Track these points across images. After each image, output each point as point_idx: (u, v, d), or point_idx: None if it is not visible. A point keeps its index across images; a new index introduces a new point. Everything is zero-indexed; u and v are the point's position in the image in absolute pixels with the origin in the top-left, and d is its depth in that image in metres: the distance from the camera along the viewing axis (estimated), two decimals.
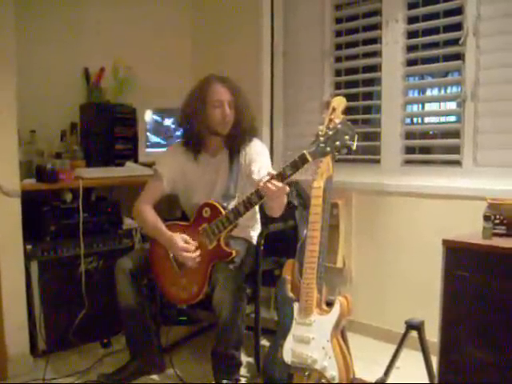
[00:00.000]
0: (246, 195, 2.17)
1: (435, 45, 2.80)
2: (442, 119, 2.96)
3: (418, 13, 2.82)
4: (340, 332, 2.09)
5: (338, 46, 3.21)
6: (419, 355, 2.11)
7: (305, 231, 2.15)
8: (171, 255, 2.35)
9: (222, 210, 2.28)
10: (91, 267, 2.90)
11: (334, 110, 2.04)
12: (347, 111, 2.11)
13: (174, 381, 2.49)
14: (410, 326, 2.11)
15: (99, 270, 2.92)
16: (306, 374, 2.06)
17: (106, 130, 3.20)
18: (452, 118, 2.87)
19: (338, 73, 3.23)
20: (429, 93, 2.98)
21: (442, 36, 2.74)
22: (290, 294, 2.15)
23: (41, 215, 2.78)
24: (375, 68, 3.03)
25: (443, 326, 2.07)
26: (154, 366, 2.57)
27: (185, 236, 2.31)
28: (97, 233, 2.94)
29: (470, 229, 2.16)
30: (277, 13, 3.43)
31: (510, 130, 2.52)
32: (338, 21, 3.20)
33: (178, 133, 3.15)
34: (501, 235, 2.06)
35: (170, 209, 3.00)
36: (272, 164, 2.50)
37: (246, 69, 3.44)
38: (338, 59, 3.22)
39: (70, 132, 3.14)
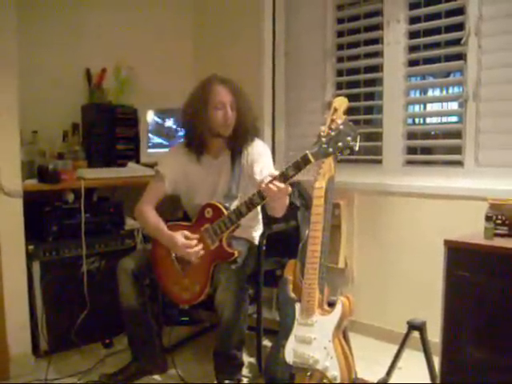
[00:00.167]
0: (248, 196, 2.17)
1: (437, 45, 2.79)
2: (444, 119, 2.96)
3: (420, 13, 2.82)
4: (342, 332, 2.10)
5: (340, 47, 3.21)
6: (421, 355, 2.11)
7: (307, 231, 2.15)
8: (173, 255, 2.35)
9: (224, 210, 2.28)
10: (93, 268, 2.90)
11: (335, 110, 2.04)
12: (349, 111, 2.11)
13: (176, 381, 2.49)
14: (412, 327, 2.11)
15: (101, 271, 2.92)
16: (308, 374, 2.06)
17: (108, 130, 3.21)
18: (454, 119, 2.86)
19: (339, 73, 3.23)
20: (430, 93, 2.98)
21: (444, 36, 2.74)
22: (292, 295, 2.15)
23: (43, 216, 2.78)
24: (377, 68, 3.03)
25: (445, 327, 2.07)
26: (156, 367, 2.57)
27: (185, 232, 2.31)
28: (99, 233, 2.94)
29: (472, 229, 2.16)
30: (278, 13, 3.43)
31: None
32: (340, 21, 3.20)
33: (181, 133, 3.15)
34: (502, 235, 2.06)
35: (172, 209, 3.00)
36: (274, 164, 2.50)
37: (248, 70, 3.44)
38: (340, 59, 3.22)
39: (72, 132, 3.15)
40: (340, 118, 1.99)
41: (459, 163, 2.71)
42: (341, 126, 1.94)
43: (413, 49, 2.87)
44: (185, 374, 2.52)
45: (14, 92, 2.51)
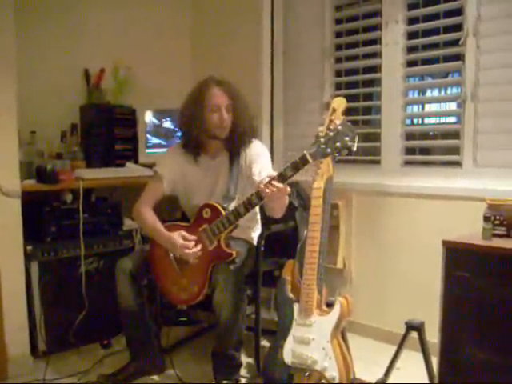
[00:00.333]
0: (247, 196, 2.17)
1: (435, 45, 2.80)
2: (442, 120, 2.96)
3: (418, 13, 2.82)
4: (340, 333, 2.10)
5: (338, 47, 3.21)
6: (419, 356, 2.11)
7: (305, 232, 2.15)
8: (171, 256, 2.35)
9: (222, 210, 2.28)
10: (91, 268, 2.90)
11: (334, 110, 2.04)
12: (347, 112, 2.11)
13: (174, 381, 2.49)
14: (411, 327, 2.11)
15: (99, 271, 2.92)
16: (306, 374, 2.06)
17: (106, 130, 3.20)
18: (452, 119, 2.86)
19: (338, 73, 3.23)
20: (429, 93, 2.98)
21: (442, 37, 2.74)
22: (290, 295, 2.15)
23: (41, 216, 2.78)
24: (375, 69, 3.03)
25: (443, 327, 2.07)
26: (154, 367, 2.57)
27: (182, 232, 2.31)
28: (97, 234, 2.94)
29: (470, 230, 2.16)
30: (277, 14, 3.42)
31: (510, 130, 2.52)
32: (338, 21, 3.20)
33: (179, 133, 3.15)
34: (501, 236, 2.06)
35: (171, 210, 3.00)
36: (272, 165, 2.50)
37: (246, 69, 3.44)
38: (338, 60, 3.22)
39: (71, 133, 3.14)
40: (338, 119, 2.00)
41: (457, 164, 2.71)
42: (339, 127, 1.94)
43: (411, 49, 2.87)
44: (183, 375, 2.52)
45: (12, 91, 2.51)
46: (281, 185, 2.02)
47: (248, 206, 2.16)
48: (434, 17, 2.75)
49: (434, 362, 2.10)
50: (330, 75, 3.23)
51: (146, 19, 3.59)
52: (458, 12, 2.65)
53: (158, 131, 3.38)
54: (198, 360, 2.74)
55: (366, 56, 3.09)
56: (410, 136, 2.95)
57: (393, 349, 2.17)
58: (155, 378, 2.56)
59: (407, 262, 2.83)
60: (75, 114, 3.24)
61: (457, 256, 2.03)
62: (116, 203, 3.08)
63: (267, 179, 2.04)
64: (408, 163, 2.93)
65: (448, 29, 2.71)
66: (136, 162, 3.27)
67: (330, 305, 2.09)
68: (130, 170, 3.14)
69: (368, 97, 3.11)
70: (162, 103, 3.35)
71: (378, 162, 3.03)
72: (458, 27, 2.65)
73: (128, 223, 3.07)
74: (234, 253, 2.25)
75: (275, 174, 2.05)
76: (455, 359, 2.04)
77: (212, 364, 2.38)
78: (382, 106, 2.99)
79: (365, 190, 3.03)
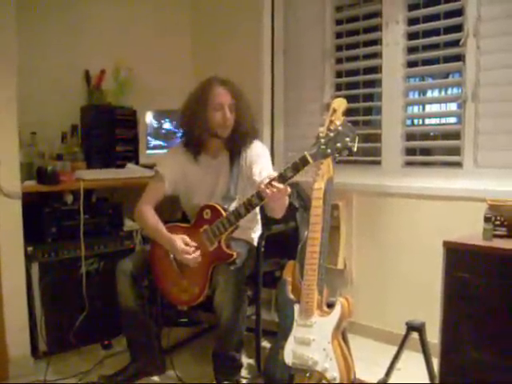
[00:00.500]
0: (247, 197, 2.17)
1: (436, 46, 2.80)
2: (443, 120, 2.96)
3: (419, 14, 2.82)
4: (341, 333, 2.09)
5: (339, 48, 3.21)
6: (420, 356, 2.11)
7: (305, 233, 2.15)
8: (172, 257, 2.35)
9: (222, 211, 2.28)
10: (92, 269, 2.90)
11: (334, 111, 2.04)
12: (348, 113, 2.11)
13: (175, 382, 2.49)
14: (411, 328, 2.11)
15: (100, 272, 2.92)
16: (307, 375, 2.06)
17: (107, 131, 3.20)
18: (452, 120, 2.86)
19: (338, 74, 3.23)
20: (429, 94, 2.98)
21: (443, 37, 2.74)
22: (291, 296, 2.15)
23: (41, 217, 2.78)
24: (376, 69, 3.03)
25: (444, 328, 2.07)
26: (155, 368, 2.56)
27: (184, 237, 2.31)
28: (98, 234, 2.94)
29: (471, 230, 2.16)
30: (277, 14, 3.42)
31: (511, 131, 2.52)
32: (339, 22, 3.20)
33: (179, 134, 3.15)
34: (501, 236, 2.06)
35: (171, 210, 3.00)
36: (273, 165, 2.50)
37: (247, 69, 3.44)
38: (339, 61, 3.22)
39: (71, 134, 3.14)
40: (339, 119, 2.00)
41: (458, 164, 2.71)
42: (339, 127, 1.94)
43: (412, 50, 2.87)
44: (183, 375, 2.52)
45: (13, 92, 2.51)
46: (281, 185, 2.02)
47: (248, 206, 2.16)
48: (435, 17, 2.75)
49: (435, 362, 2.10)
50: (330, 76, 3.23)
51: (146, 19, 3.60)
52: (459, 13, 2.65)
53: (158, 133, 3.38)
54: (198, 361, 2.74)
55: (367, 57, 3.09)
56: (410, 137, 2.95)
57: (393, 349, 2.17)
58: (156, 378, 2.56)
59: (408, 262, 2.83)
60: (76, 115, 3.24)
61: (457, 257, 2.03)
62: (117, 204, 3.08)
63: (267, 180, 2.04)
64: (408, 164, 2.93)
65: (448, 29, 2.71)
66: (137, 162, 3.28)
67: (330, 305, 2.08)
68: (131, 171, 3.14)
69: (368, 97, 3.11)
70: (162, 104, 3.35)
71: (378, 163, 3.03)
72: (458, 28, 2.66)
73: (128, 224, 3.07)
74: (234, 254, 2.25)
75: (276, 174, 2.05)
76: (456, 360, 2.04)
77: (213, 365, 2.37)
78: (382, 106, 2.99)
79: (365, 190, 3.03)
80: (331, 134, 1.95)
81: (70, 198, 2.87)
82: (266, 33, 3.42)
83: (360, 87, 3.12)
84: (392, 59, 2.92)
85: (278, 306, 2.22)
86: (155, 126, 3.37)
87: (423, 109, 3.02)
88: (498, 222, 2.07)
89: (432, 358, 2.10)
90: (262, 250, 2.49)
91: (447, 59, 2.75)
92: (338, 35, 3.21)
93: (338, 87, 3.24)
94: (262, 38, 3.41)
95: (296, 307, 2.11)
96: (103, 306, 2.84)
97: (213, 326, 2.71)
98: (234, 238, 2.37)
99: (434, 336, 2.10)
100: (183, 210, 2.68)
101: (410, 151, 2.94)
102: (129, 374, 2.49)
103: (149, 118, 3.34)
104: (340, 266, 3.08)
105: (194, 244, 2.30)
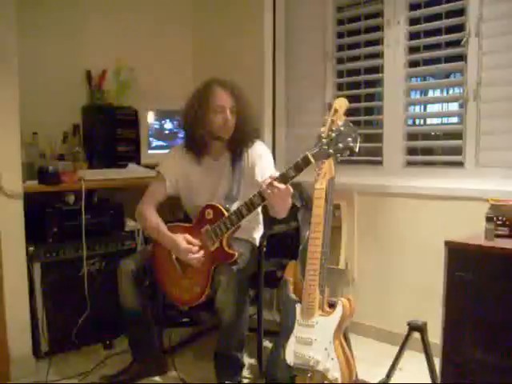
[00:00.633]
0: (249, 197, 2.17)
1: (437, 46, 2.80)
2: (445, 120, 2.96)
3: (420, 14, 2.82)
4: (342, 333, 2.09)
5: (340, 48, 3.21)
6: (422, 357, 2.10)
7: (307, 233, 2.15)
8: (173, 257, 2.35)
9: (224, 211, 2.28)
10: (94, 269, 2.90)
11: (336, 111, 2.04)
12: (349, 113, 2.11)
13: (177, 382, 2.49)
14: (413, 328, 2.11)
15: (102, 272, 2.92)
16: (309, 375, 2.06)
17: (108, 131, 3.20)
18: (454, 119, 2.86)
19: (340, 74, 3.23)
20: (431, 94, 2.98)
21: (444, 37, 2.74)
22: (293, 296, 2.15)
23: (43, 217, 2.78)
24: (377, 69, 3.03)
25: (446, 328, 2.07)
26: (157, 368, 2.57)
27: (187, 236, 2.31)
28: (99, 234, 2.94)
29: (473, 230, 2.16)
30: (278, 14, 3.42)
31: None
32: (340, 22, 3.20)
33: (181, 135, 3.15)
34: (503, 236, 2.06)
35: (173, 210, 3.00)
36: (275, 165, 2.50)
37: (248, 69, 3.44)
38: (340, 60, 3.22)
39: (73, 134, 3.15)
40: (340, 119, 2.00)
41: (460, 164, 2.71)
42: (341, 127, 1.94)
43: (413, 50, 2.87)
44: (185, 376, 2.52)
45: (14, 92, 2.50)
46: (283, 185, 2.02)
47: (250, 206, 2.16)
48: (436, 17, 2.75)
49: (437, 362, 2.10)
50: (331, 76, 3.23)
51: (147, 19, 3.59)
52: (460, 12, 2.65)
53: (159, 133, 3.38)
54: (200, 361, 2.74)
55: (368, 56, 3.09)
56: (412, 136, 2.95)
57: (395, 349, 2.17)
58: (157, 378, 2.56)
59: (409, 262, 2.83)
60: (77, 115, 3.25)
61: (459, 256, 2.03)
62: (118, 204, 3.09)
63: (269, 180, 2.04)
64: (410, 164, 2.94)
65: (450, 29, 2.71)
66: (138, 162, 3.27)
67: (332, 305, 2.08)
68: (132, 171, 3.14)
69: (370, 97, 3.12)
70: (163, 104, 3.35)
71: (380, 163, 3.03)
72: (459, 28, 2.66)
73: (130, 224, 3.07)
74: (236, 254, 2.25)
75: (277, 174, 2.05)
76: (457, 360, 2.04)
77: (214, 365, 2.37)
78: (383, 106, 2.99)
79: (367, 190, 3.02)
80: (333, 134, 1.95)
81: (71, 198, 2.87)
82: (267, 33, 3.41)
83: (361, 87, 3.12)
84: (393, 59, 2.92)
85: (280, 305, 2.22)
86: (157, 126, 3.37)
87: (425, 109, 3.02)
88: (499, 222, 2.07)
89: (434, 358, 2.10)
90: (264, 249, 2.49)
91: (449, 59, 2.75)
92: (340, 35, 3.21)
93: (340, 87, 3.24)
94: (263, 38, 3.41)
95: (298, 307, 2.11)
96: (105, 307, 2.84)
97: (214, 326, 2.72)
98: (235, 238, 2.37)
99: (435, 336, 2.10)
100: (185, 210, 2.68)
101: (412, 151, 2.94)
102: (130, 374, 2.50)
103: (150, 117, 3.34)
104: (342, 265, 3.08)
105: (197, 242, 2.29)
